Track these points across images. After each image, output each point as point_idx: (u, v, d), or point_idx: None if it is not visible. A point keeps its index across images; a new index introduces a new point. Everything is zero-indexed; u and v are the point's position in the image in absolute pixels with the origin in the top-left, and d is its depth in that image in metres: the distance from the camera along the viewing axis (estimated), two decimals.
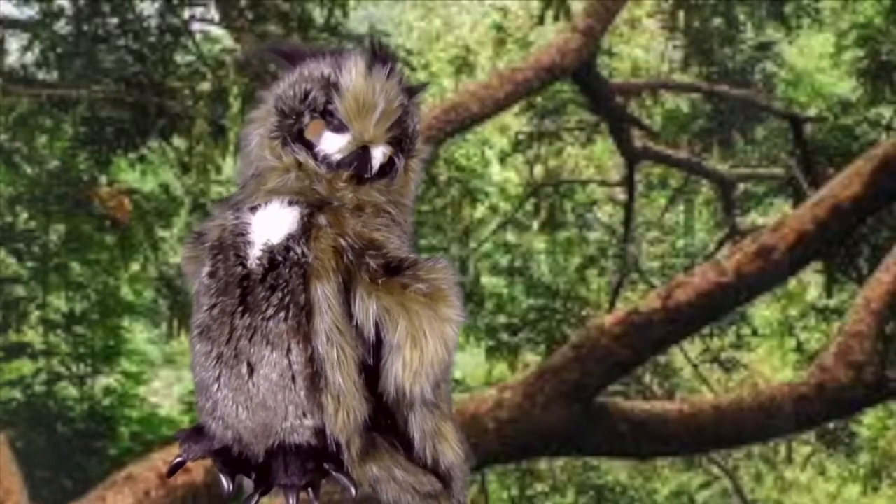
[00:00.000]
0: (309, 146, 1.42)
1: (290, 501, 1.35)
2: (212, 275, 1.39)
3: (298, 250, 1.36)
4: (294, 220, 1.37)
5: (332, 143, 1.41)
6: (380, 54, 1.44)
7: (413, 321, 1.34)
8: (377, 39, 1.46)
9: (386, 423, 1.40)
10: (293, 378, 1.35)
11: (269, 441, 1.37)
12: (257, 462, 1.39)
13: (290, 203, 1.38)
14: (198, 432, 1.43)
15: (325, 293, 1.34)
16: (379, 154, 1.41)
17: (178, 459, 1.43)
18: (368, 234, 1.38)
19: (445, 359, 1.36)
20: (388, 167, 1.43)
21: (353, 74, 1.41)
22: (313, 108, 1.42)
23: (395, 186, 1.43)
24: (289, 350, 1.34)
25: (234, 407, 1.37)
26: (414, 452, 1.40)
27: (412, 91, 1.47)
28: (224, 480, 1.41)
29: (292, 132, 1.42)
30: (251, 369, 1.35)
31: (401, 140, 1.43)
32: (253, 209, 1.40)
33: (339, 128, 1.41)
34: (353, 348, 1.35)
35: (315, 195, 1.39)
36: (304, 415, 1.36)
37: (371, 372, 1.38)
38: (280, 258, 1.36)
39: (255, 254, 1.37)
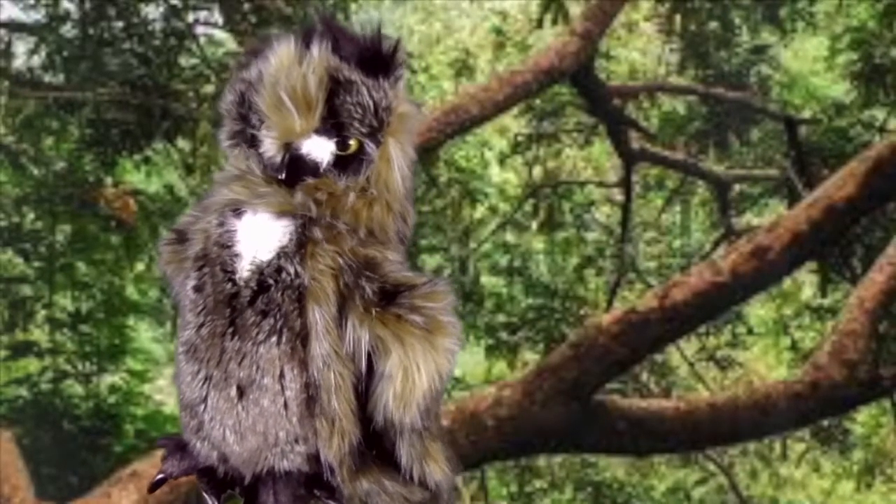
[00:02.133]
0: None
1: None
2: (198, 289, 1.31)
3: (291, 270, 1.27)
4: (285, 233, 1.28)
5: (267, 145, 1.30)
6: (315, 31, 1.31)
7: (407, 353, 1.27)
8: (324, 14, 1.32)
9: (374, 442, 1.34)
10: (285, 404, 1.28)
11: (257, 467, 1.31)
12: (243, 483, 1.34)
13: (281, 214, 1.29)
14: (183, 447, 1.37)
15: (322, 317, 1.27)
16: (316, 148, 1.29)
17: (161, 476, 1.37)
18: (364, 251, 1.29)
19: (438, 389, 1.30)
20: (359, 157, 1.31)
21: (270, 65, 1.29)
22: (254, 110, 1.30)
23: (353, 186, 1.31)
24: (281, 376, 1.28)
25: (221, 430, 1.31)
26: (401, 472, 1.35)
27: (374, 64, 1.31)
28: (210, 500, 1.35)
29: (246, 137, 1.32)
30: (240, 393, 1.29)
31: (349, 122, 1.29)
32: (238, 214, 1.31)
33: (266, 127, 1.29)
34: (351, 372, 1.29)
35: (240, 203, 1.30)
36: (296, 441, 1.30)
37: (363, 394, 1.32)
38: (271, 281, 1.27)
39: (243, 271, 1.28)
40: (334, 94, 1.28)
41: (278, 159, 1.29)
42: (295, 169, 1.29)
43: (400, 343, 1.27)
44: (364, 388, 1.31)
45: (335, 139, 1.29)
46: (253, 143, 1.31)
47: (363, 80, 1.29)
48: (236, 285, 1.28)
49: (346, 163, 1.30)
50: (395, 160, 1.32)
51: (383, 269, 1.29)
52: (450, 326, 1.29)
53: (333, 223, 1.29)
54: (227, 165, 1.35)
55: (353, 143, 1.29)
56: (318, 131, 1.28)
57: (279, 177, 1.28)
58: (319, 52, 1.28)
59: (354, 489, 1.32)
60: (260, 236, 1.29)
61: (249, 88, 1.30)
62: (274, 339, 1.27)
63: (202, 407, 1.31)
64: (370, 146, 1.30)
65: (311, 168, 1.29)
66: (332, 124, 1.29)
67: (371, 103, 1.30)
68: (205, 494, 1.35)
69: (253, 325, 1.27)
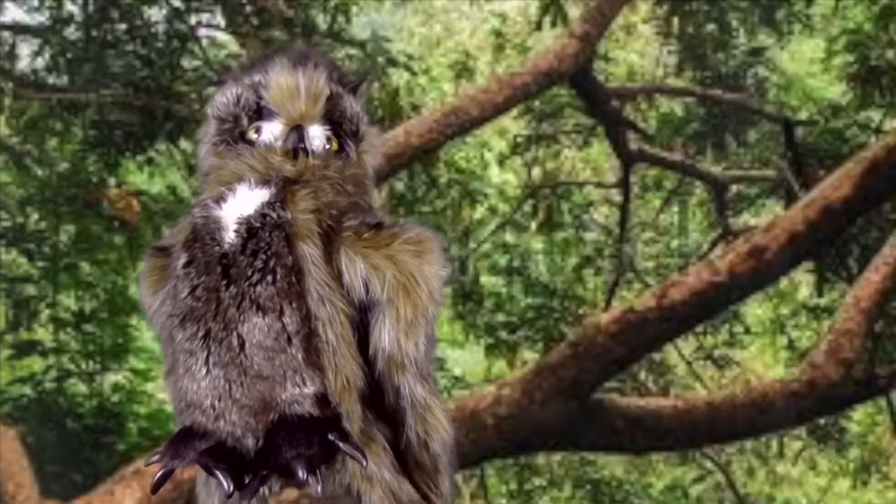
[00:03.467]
0: (251, 145, 1.44)
1: (300, 473, 1.29)
2: (189, 263, 1.36)
3: (274, 214, 1.35)
4: (266, 194, 1.38)
5: (270, 132, 1.43)
6: (303, 54, 1.49)
7: (401, 270, 1.34)
8: (303, 47, 1.53)
9: (376, 396, 1.36)
10: (289, 340, 1.31)
11: (268, 417, 1.31)
12: (250, 455, 1.33)
13: (261, 184, 1.39)
14: (180, 439, 1.35)
15: (310, 253, 1.34)
16: (317, 132, 1.44)
17: (164, 470, 1.34)
18: (342, 203, 1.40)
19: (435, 312, 1.36)
20: (338, 153, 1.45)
21: (276, 69, 1.45)
22: (247, 109, 1.45)
23: (343, 165, 1.45)
24: (281, 312, 1.32)
25: (226, 386, 1.31)
26: (405, 430, 1.37)
27: (352, 84, 1.51)
28: (223, 479, 1.32)
29: (234, 135, 1.45)
30: (242, 341, 1.31)
31: (339, 122, 1.46)
32: (218, 201, 1.39)
33: (272, 116, 1.43)
34: (346, 305, 1.34)
35: (256, 172, 1.40)
36: (304, 382, 1.31)
37: (362, 343, 1.36)
38: (258, 224, 1.35)
39: (230, 234, 1.36)
40: (330, 98, 1.47)
41: (279, 144, 1.42)
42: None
43: (394, 263, 1.35)
44: (362, 329, 1.36)
45: (329, 133, 1.45)
46: (242, 137, 1.45)
47: (346, 94, 1.50)
48: (223, 248, 1.36)
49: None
50: (371, 159, 1.50)
51: (362, 214, 1.41)
52: (438, 249, 1.39)
53: (315, 183, 1.40)
54: (210, 161, 1.47)
55: (334, 141, 1.46)
56: (321, 120, 1.45)
57: (300, 147, 1.41)
58: (316, 66, 1.47)
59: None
60: (242, 204, 1.38)
61: (248, 91, 1.46)
62: (269, 277, 1.33)
63: (204, 370, 1.33)
64: (350, 146, 1.47)
65: (310, 152, 1.44)
66: (328, 119, 1.46)
67: (353, 111, 1.49)
68: (217, 473, 1.32)
69: (247, 266, 1.33)
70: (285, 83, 1.43)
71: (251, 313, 1.32)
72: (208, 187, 1.43)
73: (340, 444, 1.31)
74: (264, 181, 1.39)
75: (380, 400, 1.38)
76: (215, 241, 1.36)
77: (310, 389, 1.32)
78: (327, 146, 1.44)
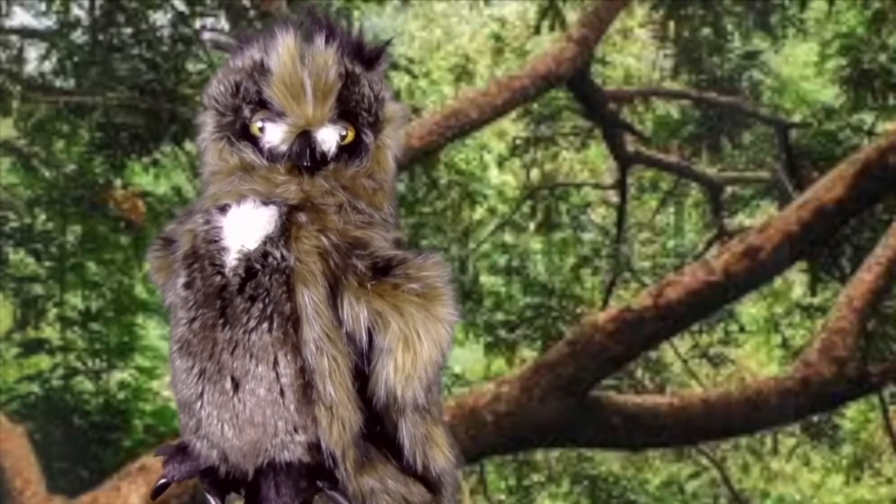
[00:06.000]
0: (255, 142, 1.31)
1: None
2: (188, 286, 1.30)
3: (277, 254, 1.26)
4: (270, 220, 1.27)
5: (274, 134, 1.30)
6: (312, 25, 1.32)
7: (407, 322, 1.25)
8: (313, 8, 1.32)
9: (375, 429, 1.32)
10: (282, 392, 1.26)
11: (258, 460, 1.29)
12: (246, 481, 1.31)
13: (265, 203, 1.28)
14: (183, 450, 1.34)
15: (312, 299, 1.25)
16: (328, 136, 1.31)
17: (163, 481, 1.34)
18: (351, 232, 1.28)
19: (439, 361, 1.27)
20: (355, 146, 1.33)
21: (279, 54, 1.29)
22: (248, 100, 1.31)
23: (359, 168, 1.32)
24: (276, 363, 1.26)
25: (219, 425, 1.28)
26: (404, 459, 1.33)
27: (368, 57, 1.34)
28: (213, 501, 1.33)
29: (235, 130, 1.32)
30: (236, 385, 1.27)
31: (355, 113, 1.32)
32: (223, 210, 1.30)
33: (276, 116, 1.29)
34: (345, 356, 1.27)
35: (258, 195, 1.29)
36: (296, 430, 1.27)
37: (363, 378, 1.30)
38: (258, 266, 1.26)
39: (230, 261, 1.27)
40: (344, 85, 1.31)
41: (284, 148, 1.29)
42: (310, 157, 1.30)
43: (398, 313, 1.26)
44: (365, 371, 1.29)
45: (342, 128, 1.32)
46: (244, 134, 1.32)
47: (363, 73, 1.34)
48: (225, 277, 1.27)
49: (342, 151, 1.33)
50: (391, 149, 1.36)
51: (373, 247, 1.28)
52: (446, 295, 1.28)
53: (320, 206, 1.29)
54: (211, 161, 1.34)
55: (350, 133, 1.32)
56: (332, 118, 1.31)
57: (303, 164, 1.29)
58: (326, 44, 1.31)
59: (359, 485, 1.31)
60: (245, 227, 1.28)
61: (248, 78, 1.31)
62: (265, 325, 1.25)
63: (199, 404, 1.29)
64: (368, 136, 1.32)
65: (320, 156, 1.31)
66: (341, 114, 1.31)
67: (372, 95, 1.34)
68: (208, 496, 1.32)
69: (243, 311, 1.26)
70: (289, 79, 1.28)
71: (245, 360, 1.26)
72: (208, 201, 1.33)
73: (328, 492, 1.29)
74: (268, 201, 1.29)
75: (379, 421, 1.34)
76: (216, 268, 1.28)
77: (301, 437, 1.28)
78: (342, 142, 1.31)
